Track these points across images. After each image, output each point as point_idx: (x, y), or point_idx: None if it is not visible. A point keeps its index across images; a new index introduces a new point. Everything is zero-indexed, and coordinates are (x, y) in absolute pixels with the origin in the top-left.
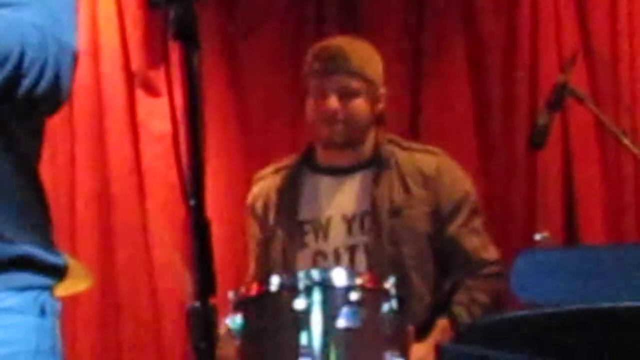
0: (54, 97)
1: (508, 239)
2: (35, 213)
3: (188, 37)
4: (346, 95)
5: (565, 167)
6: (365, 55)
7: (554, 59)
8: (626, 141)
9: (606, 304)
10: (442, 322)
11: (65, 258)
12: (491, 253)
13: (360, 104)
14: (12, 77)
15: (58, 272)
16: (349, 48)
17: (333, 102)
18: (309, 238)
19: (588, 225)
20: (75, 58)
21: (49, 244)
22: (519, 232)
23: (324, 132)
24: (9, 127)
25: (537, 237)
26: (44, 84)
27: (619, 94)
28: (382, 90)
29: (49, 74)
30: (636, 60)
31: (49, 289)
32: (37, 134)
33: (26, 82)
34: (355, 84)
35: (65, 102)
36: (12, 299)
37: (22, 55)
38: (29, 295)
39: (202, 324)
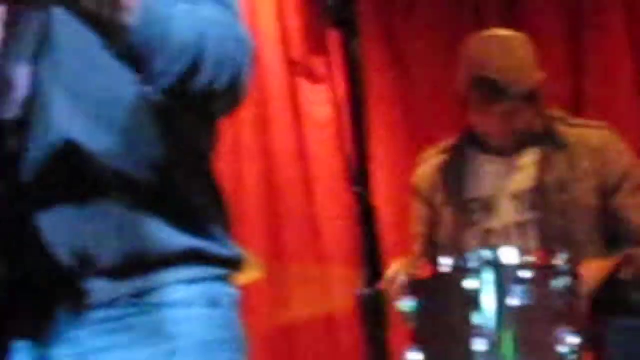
0: (233, 95)
1: None
2: (210, 208)
3: (347, 24)
4: (508, 116)
5: None
6: (521, 66)
7: None
8: None
9: None
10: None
11: (239, 250)
12: None
13: (524, 117)
14: (191, 70)
15: (231, 264)
16: (505, 71)
17: (496, 124)
18: (477, 216)
19: None
20: (251, 53)
21: (222, 237)
22: None
23: (490, 141)
24: (184, 121)
25: None
26: (222, 80)
27: None
28: (538, 82)
29: (227, 71)
30: None
31: (221, 279)
32: (213, 129)
33: (204, 77)
34: (516, 105)
35: (244, 97)
36: (179, 293)
37: (200, 49)
38: (197, 287)
39: (374, 310)
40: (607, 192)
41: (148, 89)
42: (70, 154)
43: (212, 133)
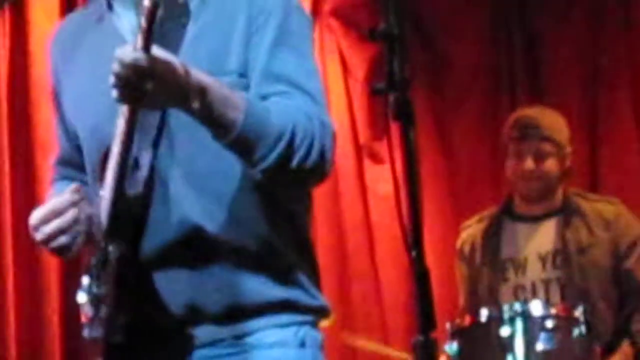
0: (321, 170)
1: None
2: (301, 265)
3: (405, 117)
4: (540, 157)
5: None
6: (554, 122)
7: None
8: None
9: None
10: (625, 346)
11: (324, 300)
12: None
13: (551, 164)
14: (286, 153)
15: (317, 312)
16: (540, 117)
17: (529, 163)
18: (510, 273)
19: None
20: (334, 136)
21: (311, 289)
22: None
23: (522, 188)
24: (281, 194)
25: None
26: (312, 159)
27: None
28: (569, 149)
29: (316, 150)
30: None
31: (309, 324)
32: (305, 199)
33: (297, 157)
34: (547, 147)
35: (330, 173)
36: (276, 335)
37: (293, 135)
38: (290, 330)
39: (426, 355)
40: (619, 257)
41: (250, 170)
42: (188, 234)
43: (305, 201)
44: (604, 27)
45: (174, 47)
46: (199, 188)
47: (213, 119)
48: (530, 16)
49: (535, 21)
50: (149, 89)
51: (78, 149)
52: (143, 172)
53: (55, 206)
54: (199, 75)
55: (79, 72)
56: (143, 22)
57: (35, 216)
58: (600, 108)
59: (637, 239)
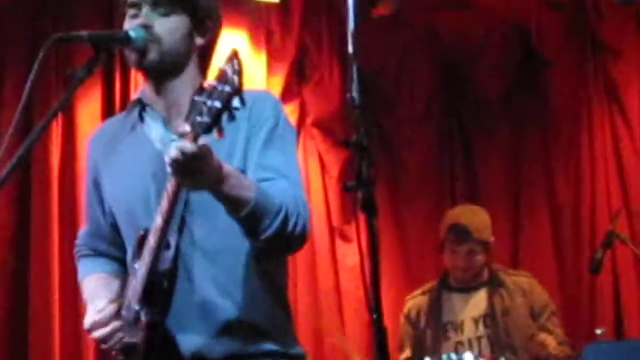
0: (304, 235)
1: (576, 333)
2: (281, 320)
3: (369, 208)
4: (471, 254)
5: (614, 286)
6: (481, 223)
7: (606, 215)
8: None
9: None
10: None
11: (301, 349)
12: (563, 337)
13: (479, 258)
14: (283, 223)
15: (298, 358)
16: (470, 222)
17: (462, 261)
18: (451, 333)
19: (631, 323)
20: (310, 211)
21: (289, 340)
22: (584, 328)
23: (457, 275)
24: (267, 263)
25: (598, 331)
26: (299, 229)
27: None
28: (492, 240)
29: (301, 221)
30: None
31: None
32: (284, 263)
33: (290, 226)
34: (476, 247)
35: (307, 239)
36: None
37: (287, 210)
38: None
39: None
40: (534, 316)
41: (254, 239)
42: (208, 312)
43: (286, 276)
44: (525, 136)
45: None
46: (212, 262)
47: (233, 198)
48: (466, 129)
49: (471, 133)
50: (197, 173)
51: (112, 225)
52: (171, 252)
53: (101, 319)
54: (225, 164)
55: (117, 166)
56: (193, 119)
57: (87, 322)
58: (520, 203)
59: (545, 305)
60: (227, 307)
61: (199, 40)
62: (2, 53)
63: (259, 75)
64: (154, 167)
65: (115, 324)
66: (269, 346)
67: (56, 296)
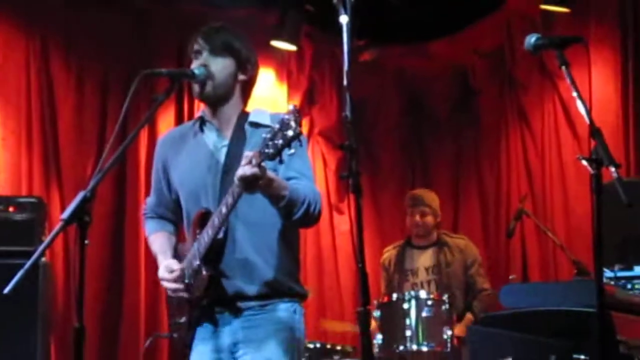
0: (317, 218)
1: (496, 278)
2: (293, 270)
3: (357, 191)
4: (423, 215)
5: (522, 245)
6: (431, 198)
7: (516, 198)
8: (549, 233)
9: (549, 308)
10: (468, 315)
11: (305, 290)
12: (487, 284)
13: (429, 219)
14: (307, 209)
15: (302, 296)
16: (423, 194)
17: (417, 219)
18: (410, 277)
19: (533, 272)
20: (321, 199)
21: (298, 283)
22: (501, 275)
23: (414, 232)
24: (286, 232)
25: (511, 277)
26: (316, 213)
27: (547, 214)
28: (439, 212)
29: (318, 208)
30: (554, 196)
31: (298, 302)
32: (297, 232)
33: (310, 212)
34: (426, 210)
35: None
36: (282, 306)
37: (309, 200)
38: (288, 304)
39: (364, 318)
40: (466, 268)
41: (287, 219)
42: (248, 271)
43: (298, 237)
44: (462, 144)
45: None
46: (250, 231)
47: (276, 196)
48: (422, 139)
49: (426, 142)
50: (258, 186)
51: (175, 200)
52: (224, 227)
53: (169, 277)
54: (271, 174)
55: (183, 160)
56: (262, 150)
57: (160, 274)
58: (459, 190)
59: (475, 259)
60: (259, 262)
61: (241, 77)
62: (107, 82)
63: (281, 100)
64: (209, 162)
65: (179, 285)
66: (284, 288)
67: (142, 250)
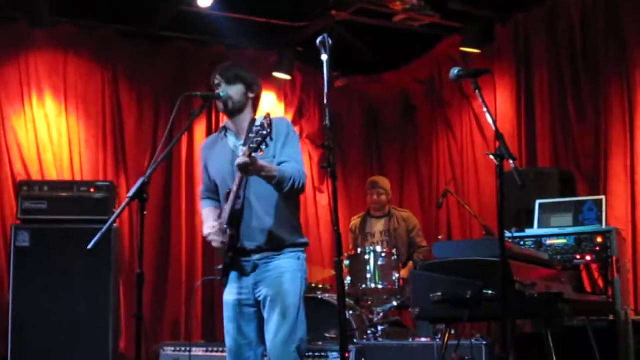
0: (301, 189)
1: (429, 238)
2: (297, 221)
3: (333, 177)
4: (378, 195)
5: (447, 215)
6: (385, 182)
7: (443, 181)
8: (466, 207)
9: (466, 258)
10: (410, 264)
11: (306, 239)
12: (424, 243)
13: (383, 198)
14: (292, 184)
15: (305, 245)
16: (379, 180)
17: (374, 198)
18: (369, 238)
19: (455, 233)
20: (306, 178)
21: (301, 235)
22: (433, 236)
23: (372, 207)
24: (288, 200)
25: (440, 237)
26: (299, 186)
27: (465, 193)
28: (390, 193)
29: (300, 183)
30: (470, 181)
31: (302, 250)
32: (297, 200)
33: (295, 186)
34: (381, 191)
35: (304, 191)
36: (289, 254)
37: (293, 178)
38: (294, 252)
39: (339, 266)
40: (409, 232)
41: (279, 191)
42: (262, 230)
43: (298, 204)
44: (406, 144)
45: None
46: (261, 200)
47: (267, 177)
48: (378, 141)
49: (381, 143)
50: (251, 170)
51: (214, 185)
52: (241, 199)
53: (211, 231)
54: (262, 161)
55: (215, 158)
56: (249, 145)
57: (205, 232)
58: (404, 177)
59: (415, 226)
60: (270, 222)
61: (250, 95)
62: (158, 101)
63: (280, 114)
64: (231, 157)
65: (219, 237)
66: (289, 241)
67: (183, 218)
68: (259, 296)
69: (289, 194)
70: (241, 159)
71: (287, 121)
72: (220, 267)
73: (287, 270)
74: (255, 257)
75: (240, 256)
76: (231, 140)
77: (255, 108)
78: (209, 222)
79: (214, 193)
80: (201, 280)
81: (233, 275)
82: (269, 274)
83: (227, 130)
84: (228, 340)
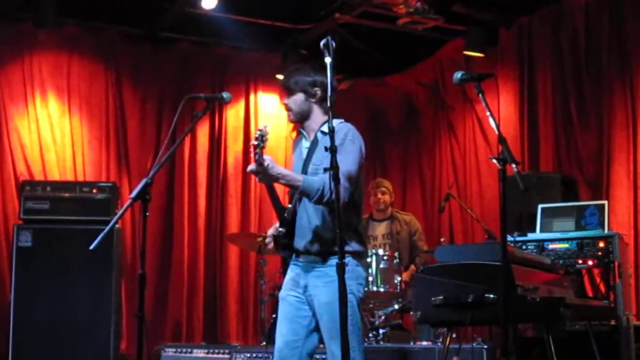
0: (330, 204)
1: (431, 242)
2: (351, 228)
3: (336, 179)
4: (382, 194)
5: (449, 218)
6: (387, 184)
7: (446, 185)
8: (468, 210)
9: (468, 262)
10: (412, 267)
11: (367, 248)
12: (426, 246)
13: (386, 199)
14: (320, 196)
15: (364, 254)
16: (382, 181)
17: (378, 198)
18: (372, 240)
19: (457, 237)
20: (347, 190)
21: (361, 241)
22: (435, 239)
23: (375, 208)
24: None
25: (442, 240)
26: (327, 200)
27: (467, 196)
28: (393, 194)
29: (328, 197)
30: (472, 184)
31: (362, 258)
32: (355, 204)
33: (323, 199)
34: (384, 191)
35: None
36: (349, 260)
37: (321, 191)
38: (353, 259)
39: (341, 272)
40: (411, 235)
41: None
42: (308, 224)
43: (355, 213)
44: (409, 147)
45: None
46: (312, 207)
47: (291, 186)
48: (380, 143)
49: (383, 145)
50: (261, 177)
51: None
52: (295, 204)
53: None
54: (283, 170)
55: (294, 160)
56: (253, 150)
57: (269, 232)
58: (407, 179)
59: (417, 230)
60: (320, 227)
61: (312, 100)
62: (162, 102)
63: (283, 116)
64: (302, 158)
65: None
66: (352, 245)
67: (185, 220)
68: (311, 300)
69: (316, 204)
70: (249, 167)
71: (346, 128)
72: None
73: (334, 279)
74: (304, 258)
75: (295, 257)
76: (304, 142)
77: (324, 108)
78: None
79: None
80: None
81: (289, 274)
82: (317, 280)
83: (301, 133)
84: (277, 335)
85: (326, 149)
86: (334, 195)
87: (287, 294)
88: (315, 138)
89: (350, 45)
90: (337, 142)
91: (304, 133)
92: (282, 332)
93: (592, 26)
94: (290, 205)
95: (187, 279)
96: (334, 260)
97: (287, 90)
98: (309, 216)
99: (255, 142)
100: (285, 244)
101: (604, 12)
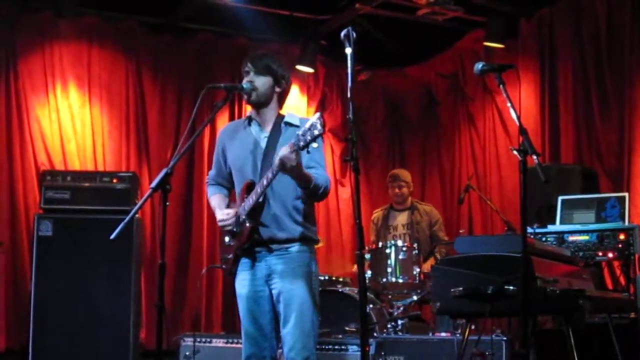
0: (326, 196)
1: (451, 233)
2: (310, 222)
3: (356, 170)
4: (400, 188)
5: (469, 209)
6: (405, 175)
7: (465, 176)
8: (488, 201)
9: (488, 253)
10: (431, 259)
11: (317, 237)
12: (445, 237)
13: (405, 190)
14: (323, 192)
15: (315, 241)
16: (400, 173)
17: (396, 191)
18: (392, 230)
19: (477, 228)
20: (331, 184)
21: (313, 233)
22: (454, 230)
23: (394, 200)
24: (303, 200)
25: (461, 231)
26: (326, 193)
27: (486, 188)
28: (411, 184)
29: (327, 190)
30: (492, 176)
31: (312, 245)
32: (313, 202)
33: (325, 194)
34: (402, 184)
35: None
36: (301, 247)
37: (324, 187)
38: (305, 246)
39: (360, 259)
40: (431, 226)
41: (310, 197)
42: (277, 220)
43: (312, 203)
44: (429, 138)
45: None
46: (278, 198)
47: (303, 182)
48: (400, 134)
49: (403, 136)
50: (291, 168)
51: (229, 173)
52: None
53: (226, 219)
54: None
55: (236, 145)
56: (295, 142)
57: (219, 218)
58: (426, 170)
59: (437, 220)
60: (285, 217)
61: (277, 89)
62: (182, 92)
63: (302, 106)
64: (252, 147)
65: (232, 221)
66: (303, 235)
67: (205, 209)
68: (274, 289)
69: (315, 200)
70: (287, 154)
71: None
72: (230, 256)
73: (300, 265)
74: (270, 248)
75: (255, 246)
76: (255, 129)
77: (281, 102)
78: (222, 209)
79: (225, 180)
80: (205, 268)
81: (245, 266)
82: (282, 266)
83: (251, 120)
84: (244, 333)
85: (312, 138)
86: (327, 190)
87: (247, 290)
88: (278, 129)
89: (369, 35)
90: (308, 137)
91: (257, 120)
92: (248, 328)
93: (614, 16)
94: (256, 199)
95: (205, 265)
96: (299, 247)
97: (255, 70)
98: (274, 208)
99: (318, 131)
100: (252, 238)
101: (626, 2)
